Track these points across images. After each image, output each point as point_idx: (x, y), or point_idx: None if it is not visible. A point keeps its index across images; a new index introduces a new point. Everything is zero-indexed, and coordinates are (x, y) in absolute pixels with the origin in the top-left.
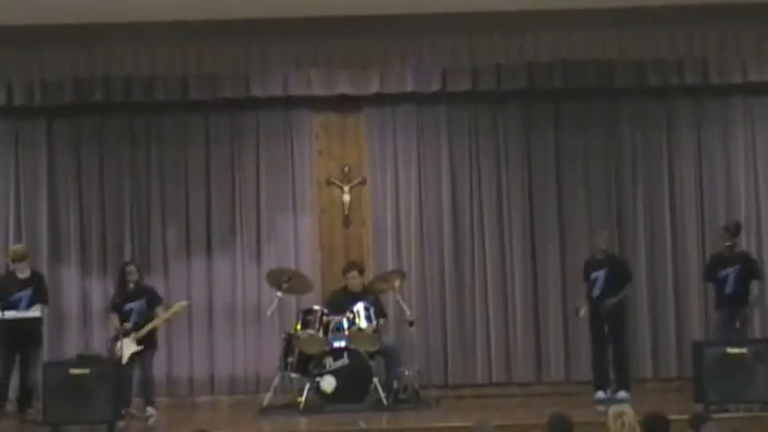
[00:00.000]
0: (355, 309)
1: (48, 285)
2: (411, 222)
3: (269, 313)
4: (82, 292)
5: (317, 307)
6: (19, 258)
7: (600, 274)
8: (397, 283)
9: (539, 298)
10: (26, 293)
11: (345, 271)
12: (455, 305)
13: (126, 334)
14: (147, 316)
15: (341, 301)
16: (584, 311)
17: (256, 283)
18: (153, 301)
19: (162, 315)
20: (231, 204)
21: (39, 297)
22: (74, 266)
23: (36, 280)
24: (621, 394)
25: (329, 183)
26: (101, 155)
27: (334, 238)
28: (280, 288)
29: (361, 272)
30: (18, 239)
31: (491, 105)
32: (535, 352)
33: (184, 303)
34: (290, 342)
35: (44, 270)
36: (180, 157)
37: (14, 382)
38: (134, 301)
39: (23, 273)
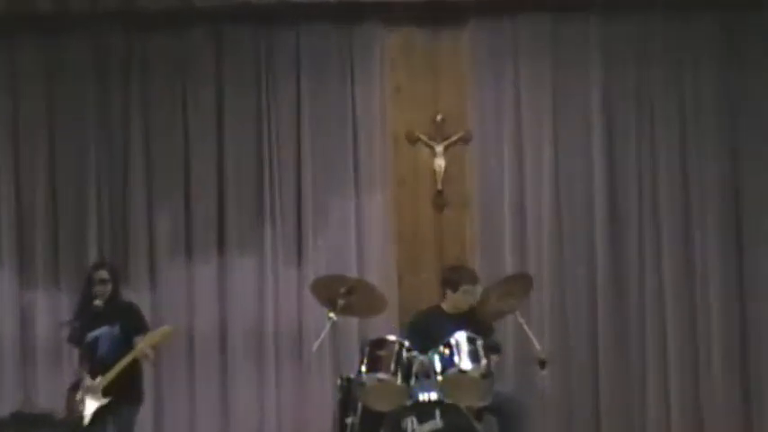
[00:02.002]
0: (453, 340)
1: None
2: (541, 202)
3: (316, 346)
4: (20, 313)
5: (391, 337)
6: None
7: None
8: (519, 301)
9: (747, 326)
10: None
11: (456, 283)
12: (612, 336)
13: (93, 377)
14: (123, 350)
15: (431, 328)
16: None
17: (296, 298)
18: (132, 326)
19: (137, 347)
20: (257, 174)
21: None
22: (8, 273)
23: None
24: None
25: (412, 139)
26: (50, 93)
27: (419, 228)
28: (333, 306)
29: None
30: None
31: (670, 14)
32: (742, 412)
33: (166, 329)
34: (349, 391)
35: None
36: (176, 96)
37: None
38: (102, 327)
39: None
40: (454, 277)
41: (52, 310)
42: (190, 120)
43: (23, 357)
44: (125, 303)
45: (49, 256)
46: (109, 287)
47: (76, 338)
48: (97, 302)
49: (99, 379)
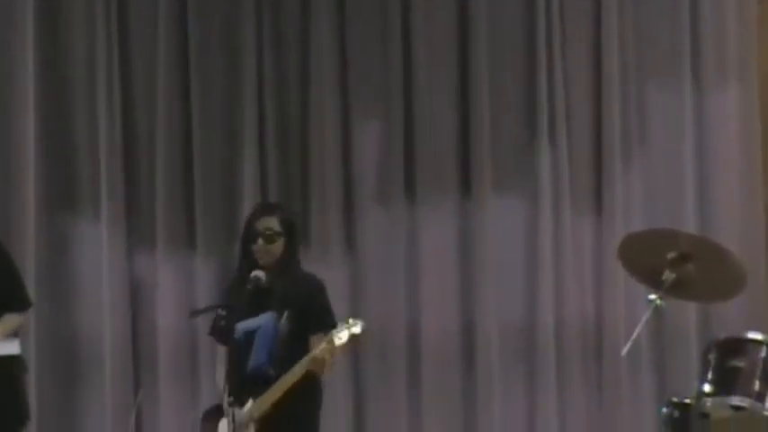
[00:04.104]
0: None
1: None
2: None
3: (626, 350)
4: (128, 292)
5: (756, 335)
6: None
7: None
8: None
9: None
10: None
11: None
12: None
13: (242, 399)
14: (295, 355)
15: None
16: None
17: (590, 267)
18: (311, 315)
19: (312, 352)
20: (522, 64)
21: None
22: (107, 227)
23: None
24: None
25: None
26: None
27: None
28: (656, 282)
29: None
30: None
31: None
32: None
33: (357, 325)
34: (683, 424)
35: None
36: None
37: None
38: (263, 314)
39: None
40: None
41: (180, 285)
42: None
43: (135, 364)
44: (304, 277)
45: (177, 197)
46: (279, 246)
47: (222, 332)
48: (257, 273)
49: (250, 404)
